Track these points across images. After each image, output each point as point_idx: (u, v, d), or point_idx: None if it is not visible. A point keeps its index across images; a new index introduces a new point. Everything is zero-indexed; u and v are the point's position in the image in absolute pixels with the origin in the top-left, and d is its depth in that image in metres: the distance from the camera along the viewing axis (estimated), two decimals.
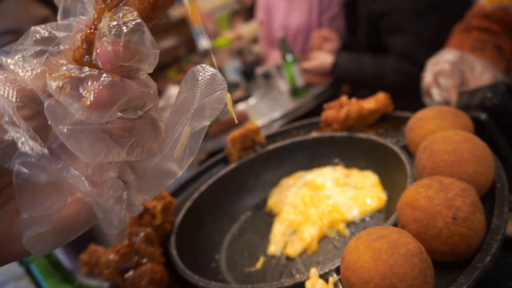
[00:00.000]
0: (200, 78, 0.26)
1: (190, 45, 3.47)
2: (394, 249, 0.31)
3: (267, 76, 2.00)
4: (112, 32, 0.24)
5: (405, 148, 0.53)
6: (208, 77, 0.26)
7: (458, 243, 0.33)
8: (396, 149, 0.52)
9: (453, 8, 1.24)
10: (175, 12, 3.66)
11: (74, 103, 0.22)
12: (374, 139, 0.58)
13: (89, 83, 0.23)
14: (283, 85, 1.73)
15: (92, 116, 0.23)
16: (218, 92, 0.26)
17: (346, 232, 0.52)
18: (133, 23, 0.24)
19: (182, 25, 3.44)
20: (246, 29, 2.63)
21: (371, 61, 1.40)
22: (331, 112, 0.65)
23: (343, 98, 0.65)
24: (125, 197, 0.25)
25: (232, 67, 2.20)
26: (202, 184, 0.66)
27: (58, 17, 0.28)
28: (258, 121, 1.56)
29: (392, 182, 0.54)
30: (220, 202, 0.65)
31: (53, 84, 0.23)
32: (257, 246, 0.57)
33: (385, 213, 0.52)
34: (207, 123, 0.27)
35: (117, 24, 0.24)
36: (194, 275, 0.45)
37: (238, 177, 0.67)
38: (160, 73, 3.63)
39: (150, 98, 0.25)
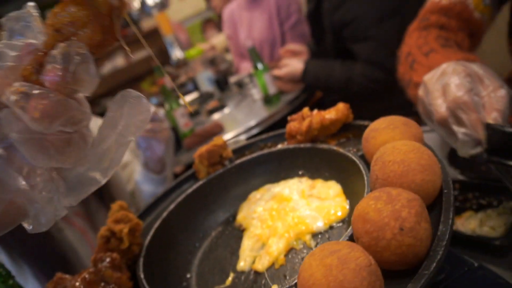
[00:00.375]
0: (128, 100, 0.31)
1: (163, 55, 3.45)
2: (344, 264, 0.33)
3: (240, 84, 2.01)
4: (63, 60, 0.28)
5: (364, 157, 0.54)
6: (134, 100, 0.31)
7: (406, 253, 0.35)
8: (355, 158, 0.54)
9: (414, 10, 1.29)
10: (147, 24, 3.63)
11: (27, 115, 0.26)
12: (335, 149, 0.59)
13: (40, 99, 0.27)
14: (256, 93, 1.75)
15: (40, 126, 0.27)
16: (143, 113, 0.31)
17: (312, 243, 0.53)
18: (82, 55, 0.29)
19: (155, 36, 3.42)
20: (218, 39, 2.64)
21: (340, 67, 1.43)
22: (294, 124, 0.67)
23: (305, 110, 0.66)
24: (56, 199, 0.29)
25: (205, 77, 2.20)
26: (171, 203, 0.66)
27: (5, 36, 0.31)
28: (235, 130, 1.57)
29: (354, 191, 0.56)
30: (190, 219, 0.65)
31: (12, 98, 0.26)
32: (227, 262, 0.58)
33: (348, 222, 0.54)
34: (132, 138, 0.31)
35: (68, 54, 0.28)
36: None
37: (207, 193, 0.68)
38: (135, 85, 3.60)
39: (86, 116, 0.30)
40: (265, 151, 0.69)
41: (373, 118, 0.55)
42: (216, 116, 1.86)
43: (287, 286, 0.39)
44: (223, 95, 2.07)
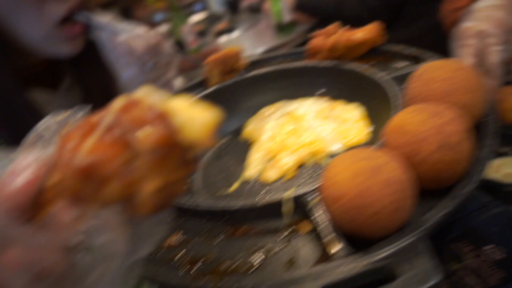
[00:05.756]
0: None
1: None
2: (376, 173, 0.30)
3: (253, 9, 1.88)
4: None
5: (395, 79, 0.50)
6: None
7: (444, 170, 0.32)
8: (383, 81, 0.50)
9: None
10: None
11: None
12: (361, 70, 0.54)
13: None
14: (269, 20, 1.63)
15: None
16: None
17: (326, 161, 0.51)
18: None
19: None
20: None
21: None
22: (317, 40, 0.61)
23: (332, 26, 0.60)
24: None
25: None
26: None
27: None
28: None
29: (380, 116, 0.52)
30: None
31: None
32: (233, 170, 0.55)
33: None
34: (145, 253, 0.26)
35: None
36: None
37: (216, 102, 0.63)
38: (140, 1, 3.36)
39: None
40: (282, 65, 0.64)
41: None
42: (223, 39, 1.76)
43: (306, 191, 0.36)
44: (233, 18, 1.94)
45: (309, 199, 0.35)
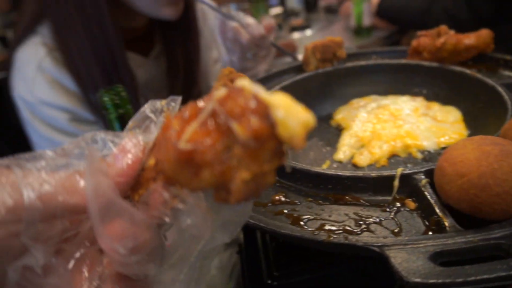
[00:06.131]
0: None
1: None
2: (504, 157, 0.32)
3: (330, 10, 1.89)
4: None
5: (507, 86, 0.50)
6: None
7: None
8: (497, 86, 0.50)
9: None
10: None
11: None
12: (470, 73, 0.55)
13: None
14: (345, 22, 1.65)
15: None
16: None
17: (419, 155, 0.52)
18: None
19: None
20: None
21: None
22: (425, 39, 0.62)
23: (443, 27, 0.61)
24: None
25: None
26: (275, 86, 0.66)
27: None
28: None
29: (478, 122, 0.53)
30: None
31: None
32: (323, 151, 0.58)
33: None
34: (225, 240, 0.27)
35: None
36: None
37: (311, 86, 0.67)
38: None
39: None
40: (383, 61, 0.66)
41: None
42: (296, 35, 1.79)
43: (417, 170, 0.38)
44: (309, 16, 1.97)
45: (419, 177, 0.38)
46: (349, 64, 0.68)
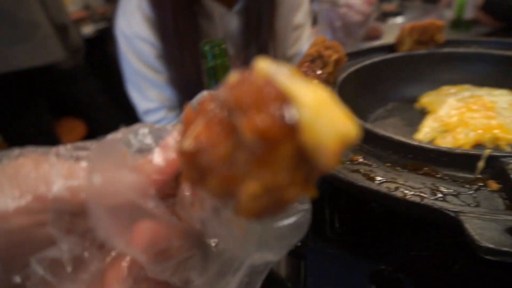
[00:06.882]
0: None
1: None
2: None
3: None
4: None
5: None
6: None
7: None
8: None
9: None
10: None
11: None
12: None
13: None
14: (447, 13, 1.55)
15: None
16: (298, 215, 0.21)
17: (508, 149, 0.51)
18: None
19: None
20: None
21: None
22: None
23: None
24: None
25: None
26: (363, 61, 0.67)
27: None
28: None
29: None
30: (376, 81, 0.66)
31: None
32: (403, 131, 0.59)
33: None
34: (273, 258, 0.23)
35: None
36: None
37: (402, 67, 0.67)
38: None
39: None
40: (485, 50, 0.63)
41: None
42: (388, 20, 1.73)
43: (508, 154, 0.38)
44: (403, 3, 1.88)
45: (507, 161, 0.38)
46: (446, 50, 0.66)
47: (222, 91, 0.16)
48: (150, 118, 1.03)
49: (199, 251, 0.22)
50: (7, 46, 1.17)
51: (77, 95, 1.76)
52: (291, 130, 0.14)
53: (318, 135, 0.14)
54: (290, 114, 0.14)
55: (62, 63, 1.48)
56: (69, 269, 0.21)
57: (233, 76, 0.16)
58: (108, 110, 1.91)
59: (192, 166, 0.17)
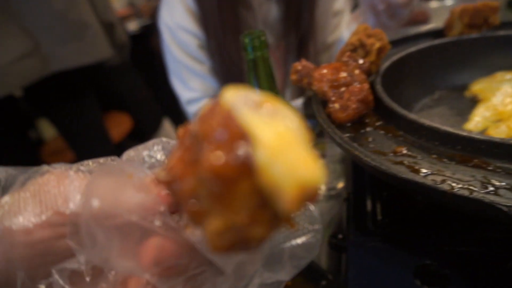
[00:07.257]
0: None
1: None
2: None
3: None
4: None
5: None
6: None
7: None
8: None
9: None
10: None
11: None
12: None
13: None
14: None
15: None
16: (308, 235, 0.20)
17: None
18: None
19: None
20: None
21: None
22: None
23: None
24: None
25: None
26: (410, 47, 0.64)
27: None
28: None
29: None
30: (424, 69, 0.63)
31: None
32: (451, 120, 0.56)
33: None
34: (283, 278, 0.22)
35: None
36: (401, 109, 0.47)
37: (453, 53, 0.63)
38: None
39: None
40: None
41: None
42: (434, 4, 1.63)
43: None
44: None
45: None
46: (501, 33, 0.61)
47: (193, 122, 0.16)
48: (193, 108, 1.06)
49: (209, 267, 0.22)
50: (60, 45, 1.25)
51: (123, 90, 1.85)
52: (248, 170, 0.14)
53: (274, 178, 0.13)
54: (246, 153, 0.13)
55: (110, 60, 1.56)
56: (88, 278, 0.22)
57: (205, 107, 0.16)
58: (151, 104, 1.99)
59: (172, 193, 0.18)
